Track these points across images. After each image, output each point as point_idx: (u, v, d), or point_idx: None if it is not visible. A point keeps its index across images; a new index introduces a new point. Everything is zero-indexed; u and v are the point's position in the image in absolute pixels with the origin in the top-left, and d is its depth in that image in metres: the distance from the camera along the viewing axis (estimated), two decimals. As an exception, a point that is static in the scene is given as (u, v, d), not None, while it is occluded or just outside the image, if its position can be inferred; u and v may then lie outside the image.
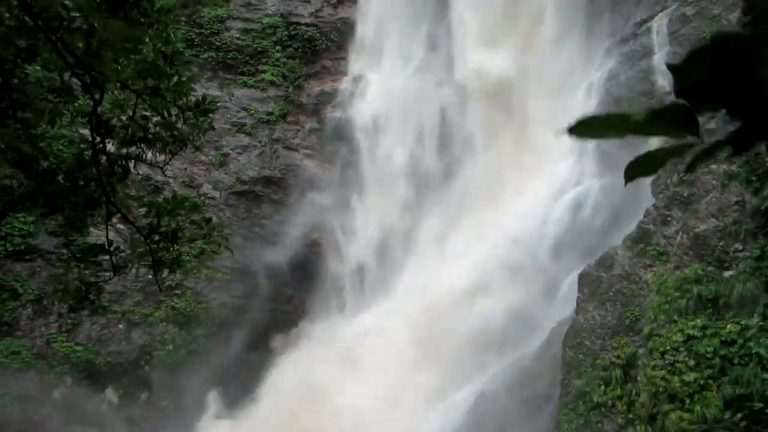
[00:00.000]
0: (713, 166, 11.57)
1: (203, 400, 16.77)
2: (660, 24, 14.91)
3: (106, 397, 16.69)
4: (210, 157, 18.78)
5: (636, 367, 11.29)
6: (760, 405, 2.23)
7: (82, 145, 3.71)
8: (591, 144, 15.21)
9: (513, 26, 17.70)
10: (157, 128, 3.70)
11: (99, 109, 3.52)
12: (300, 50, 19.98)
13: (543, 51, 17.24)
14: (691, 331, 10.61)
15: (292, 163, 19.46)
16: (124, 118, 3.64)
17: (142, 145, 3.71)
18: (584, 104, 16.05)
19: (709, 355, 10.27)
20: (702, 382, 10.20)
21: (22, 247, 16.76)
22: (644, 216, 12.56)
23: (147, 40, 3.41)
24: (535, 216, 15.63)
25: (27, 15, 3.28)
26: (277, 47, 19.83)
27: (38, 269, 16.86)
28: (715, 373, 10.17)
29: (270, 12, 20.00)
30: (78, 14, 3.18)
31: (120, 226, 4.54)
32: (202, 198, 18.36)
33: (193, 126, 3.77)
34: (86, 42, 3.18)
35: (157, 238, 3.64)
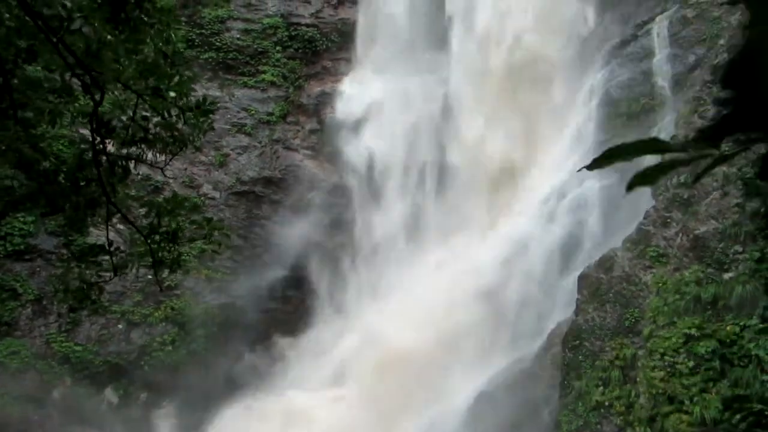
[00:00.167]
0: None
1: (203, 401, 16.76)
2: (660, 26, 14.93)
3: (105, 398, 16.68)
4: (210, 158, 18.78)
5: (635, 369, 11.29)
6: (760, 406, 2.23)
7: (82, 146, 3.71)
8: (592, 145, 15.23)
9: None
10: (158, 129, 3.70)
11: (99, 109, 3.53)
12: (300, 51, 20.00)
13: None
14: (690, 333, 10.61)
15: (293, 164, 19.46)
16: (124, 118, 3.65)
17: (143, 146, 3.72)
18: (585, 105, 16.08)
19: (708, 357, 10.27)
20: (701, 383, 10.20)
21: (22, 246, 16.76)
22: (644, 218, 12.56)
23: (148, 40, 3.41)
24: (536, 217, 15.64)
25: (27, 15, 3.28)
26: (278, 48, 19.84)
27: (38, 269, 16.86)
28: (714, 374, 10.17)
29: (270, 12, 20.02)
30: (78, 15, 3.18)
31: (120, 226, 4.54)
32: (202, 198, 18.36)
33: (194, 126, 3.78)
34: (86, 42, 3.18)
35: (157, 238, 3.64)
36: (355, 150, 19.22)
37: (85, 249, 4.00)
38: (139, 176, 15.90)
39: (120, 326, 16.99)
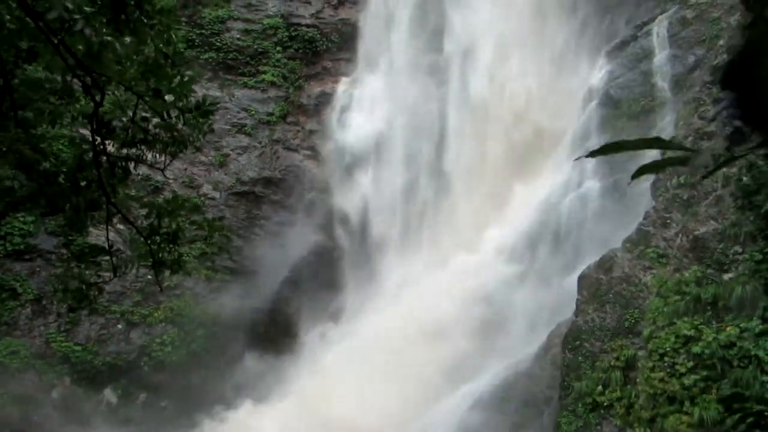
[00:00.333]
0: (706, 172, 11.56)
1: (203, 401, 16.75)
2: (660, 27, 14.94)
3: (104, 398, 16.68)
4: (210, 158, 18.79)
5: (635, 370, 11.28)
6: (759, 407, 2.23)
7: (83, 146, 3.72)
8: (592, 146, 15.24)
9: None
10: (158, 130, 3.71)
11: (99, 110, 3.53)
12: (300, 51, 20.00)
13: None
14: (690, 334, 10.61)
15: (292, 164, 19.47)
16: (124, 119, 3.65)
17: (142, 147, 3.72)
18: (585, 105, 16.09)
19: (708, 358, 10.26)
20: (701, 384, 10.20)
21: (22, 246, 16.77)
22: (644, 218, 12.56)
23: (148, 41, 3.41)
24: (536, 217, 15.65)
25: (28, 16, 3.29)
26: (278, 48, 19.85)
27: (38, 269, 16.85)
28: (714, 375, 10.17)
29: (271, 13, 20.03)
30: (79, 16, 3.19)
31: (120, 226, 4.54)
32: (202, 198, 18.37)
33: (194, 127, 3.78)
34: (87, 44, 3.19)
35: (158, 239, 3.64)
36: (356, 150, 19.23)
37: (84, 249, 4.00)
38: (140, 176, 15.90)
39: (119, 326, 16.98)
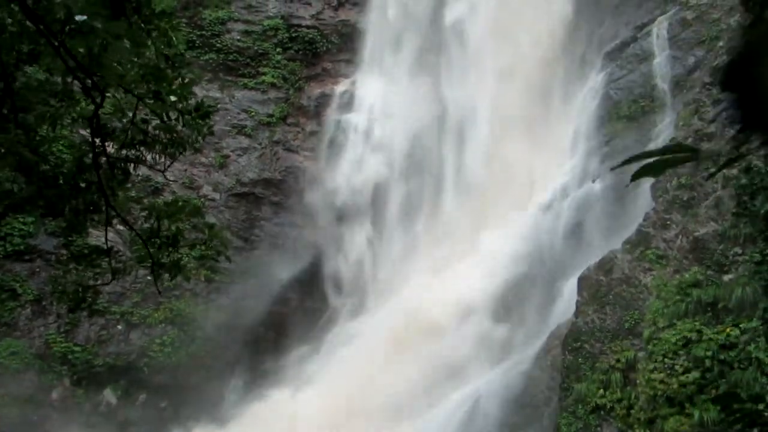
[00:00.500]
0: (713, 170, 11.58)
1: (202, 402, 16.75)
2: (660, 28, 14.95)
3: (104, 398, 16.68)
4: (210, 159, 18.79)
5: (635, 371, 11.27)
6: (755, 406, 2.23)
7: (83, 148, 3.72)
8: (592, 147, 15.25)
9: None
10: (157, 132, 3.71)
11: (99, 112, 3.53)
12: (301, 52, 20.01)
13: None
14: (690, 335, 10.61)
15: (292, 165, 19.47)
16: (124, 121, 3.65)
17: (142, 149, 3.72)
18: (585, 107, 16.09)
19: (708, 359, 10.26)
20: (701, 386, 10.19)
21: (22, 247, 16.77)
22: (644, 219, 12.56)
23: (149, 43, 3.42)
24: (537, 218, 15.65)
25: (29, 19, 3.29)
26: (278, 49, 19.86)
27: (37, 270, 16.86)
28: (714, 377, 10.16)
29: (271, 14, 20.04)
30: (82, 18, 3.19)
31: (120, 227, 4.54)
32: (202, 199, 18.37)
33: (193, 128, 3.78)
34: (87, 46, 3.19)
35: (157, 242, 3.64)
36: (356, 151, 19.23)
37: (84, 250, 4.00)
38: (140, 177, 15.91)
39: (119, 327, 16.99)
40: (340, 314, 18.41)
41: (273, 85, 19.64)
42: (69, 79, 3.54)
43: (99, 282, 4.07)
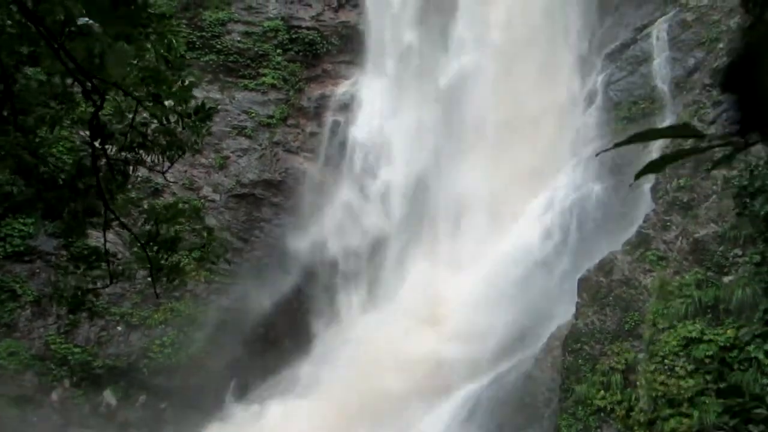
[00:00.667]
0: (713, 172, 11.59)
1: (202, 403, 16.73)
2: (660, 29, 14.96)
3: (104, 399, 16.66)
4: (210, 160, 18.79)
5: (636, 372, 11.27)
6: (754, 402, 2.24)
7: (81, 153, 3.72)
8: (593, 149, 15.24)
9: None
10: (156, 134, 3.71)
11: (99, 114, 3.53)
12: (301, 54, 20.02)
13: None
14: (690, 336, 10.61)
15: (293, 167, 19.47)
16: (123, 124, 3.64)
17: (141, 152, 3.72)
18: (585, 108, 16.10)
19: (708, 361, 10.26)
20: (701, 387, 10.19)
21: (22, 248, 16.77)
22: (644, 221, 12.56)
23: (149, 46, 3.42)
24: (536, 219, 15.64)
25: (29, 20, 3.29)
26: (278, 50, 19.87)
27: (37, 270, 16.86)
28: (714, 378, 10.16)
29: (271, 15, 20.05)
30: (84, 20, 3.19)
31: (120, 229, 4.53)
32: (202, 201, 18.36)
33: (193, 129, 3.78)
34: (87, 48, 3.19)
35: (156, 246, 3.64)
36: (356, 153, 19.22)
37: (83, 255, 3.99)
38: (139, 178, 15.91)
39: (119, 328, 16.98)
40: (342, 314, 18.40)
41: (273, 86, 19.65)
42: (70, 81, 3.54)
43: (98, 285, 4.07)
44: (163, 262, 3.69)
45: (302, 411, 15.50)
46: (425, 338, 15.27)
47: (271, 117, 19.48)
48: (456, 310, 15.42)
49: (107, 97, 3.50)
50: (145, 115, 3.74)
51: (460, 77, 18.24)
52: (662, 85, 14.50)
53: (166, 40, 3.42)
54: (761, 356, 9.83)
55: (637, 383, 11.08)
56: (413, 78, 19.07)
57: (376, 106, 19.28)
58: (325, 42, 20.11)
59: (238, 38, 19.74)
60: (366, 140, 19.23)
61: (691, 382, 10.27)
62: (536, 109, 16.93)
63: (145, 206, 3.81)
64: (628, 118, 14.93)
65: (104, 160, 3.68)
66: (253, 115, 19.42)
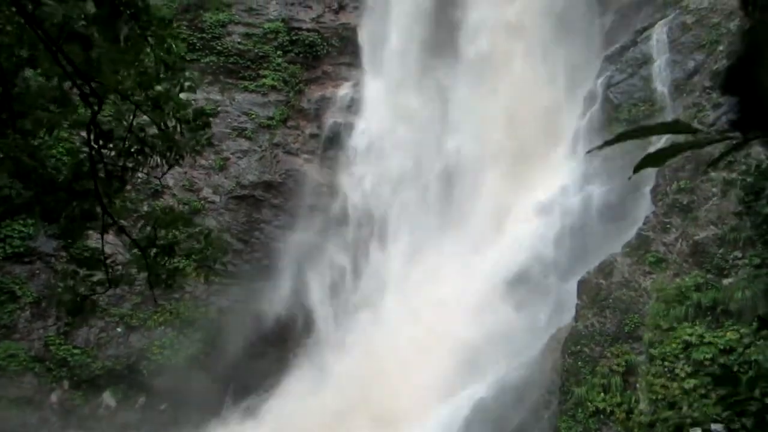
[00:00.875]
0: (712, 174, 11.59)
1: (202, 405, 16.71)
2: (660, 32, 14.97)
3: (103, 401, 16.65)
4: (210, 161, 18.80)
5: (635, 375, 11.26)
6: (750, 394, 2.26)
7: (81, 156, 3.72)
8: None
9: None
10: (155, 139, 3.70)
11: (97, 118, 3.53)
12: (301, 55, 20.04)
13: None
14: (690, 339, 10.60)
15: (293, 168, 19.47)
16: (122, 128, 3.64)
17: (139, 157, 3.72)
18: (585, 109, 16.10)
19: (708, 363, 10.24)
20: (701, 389, 10.18)
21: (22, 249, 16.77)
22: (644, 223, 12.56)
23: (147, 50, 3.42)
24: (536, 221, 15.64)
25: (27, 23, 3.29)
26: (279, 52, 19.88)
27: (37, 272, 16.86)
28: (714, 380, 10.14)
29: (271, 17, 20.07)
30: (83, 23, 3.19)
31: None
32: (202, 202, 18.37)
33: (192, 132, 3.77)
34: (85, 52, 3.19)
35: (154, 251, 3.63)
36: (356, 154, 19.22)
37: (83, 256, 3.99)
38: (139, 181, 15.90)
39: (119, 330, 16.97)
40: (343, 313, 18.38)
41: (273, 87, 19.66)
42: (67, 86, 3.53)
43: (98, 291, 4.06)
44: (161, 269, 3.68)
45: (302, 412, 15.48)
46: (426, 341, 15.25)
47: (272, 118, 19.49)
48: (456, 310, 15.40)
49: (106, 100, 3.50)
50: (143, 120, 3.73)
51: (460, 78, 18.26)
52: (662, 88, 14.51)
53: (165, 45, 3.42)
54: (761, 359, 9.81)
55: (637, 385, 11.07)
56: (413, 79, 19.08)
57: (376, 107, 19.30)
58: (325, 44, 20.13)
59: (239, 40, 19.76)
60: (366, 142, 19.24)
61: (691, 384, 10.26)
62: (537, 110, 16.94)
63: (145, 209, 3.80)
64: (628, 120, 14.93)
65: (102, 164, 3.68)
66: (253, 116, 19.43)
